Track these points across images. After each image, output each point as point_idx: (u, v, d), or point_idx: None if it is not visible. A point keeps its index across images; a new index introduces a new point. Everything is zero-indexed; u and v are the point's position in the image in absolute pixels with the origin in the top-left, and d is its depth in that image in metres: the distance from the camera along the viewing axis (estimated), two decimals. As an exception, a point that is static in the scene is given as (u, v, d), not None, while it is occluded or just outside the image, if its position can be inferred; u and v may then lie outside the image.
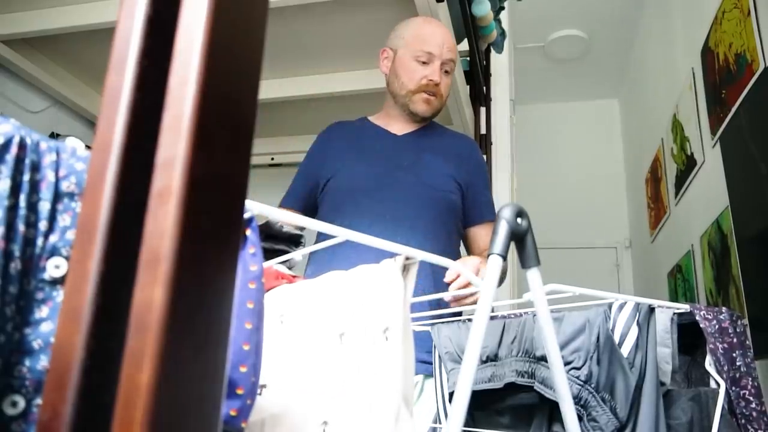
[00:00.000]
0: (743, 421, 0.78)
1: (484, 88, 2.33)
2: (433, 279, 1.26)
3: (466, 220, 1.44)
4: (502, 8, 2.26)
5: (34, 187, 0.33)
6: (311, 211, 1.45)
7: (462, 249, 1.49)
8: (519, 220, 0.53)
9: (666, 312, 0.86)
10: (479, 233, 1.44)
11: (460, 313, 1.07)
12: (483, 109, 2.33)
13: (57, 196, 0.34)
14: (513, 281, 2.42)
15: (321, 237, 1.35)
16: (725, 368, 0.79)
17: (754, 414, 0.77)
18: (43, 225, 0.33)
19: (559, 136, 4.73)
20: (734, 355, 0.80)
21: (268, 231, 0.76)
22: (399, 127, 1.49)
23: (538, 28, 3.91)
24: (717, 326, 0.81)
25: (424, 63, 1.39)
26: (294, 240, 0.80)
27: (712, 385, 0.81)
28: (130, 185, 0.22)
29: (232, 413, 0.39)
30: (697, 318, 0.83)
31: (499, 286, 0.50)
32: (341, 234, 0.56)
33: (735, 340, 0.81)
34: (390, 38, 1.48)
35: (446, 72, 1.42)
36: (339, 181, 1.42)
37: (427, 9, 1.49)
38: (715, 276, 2.50)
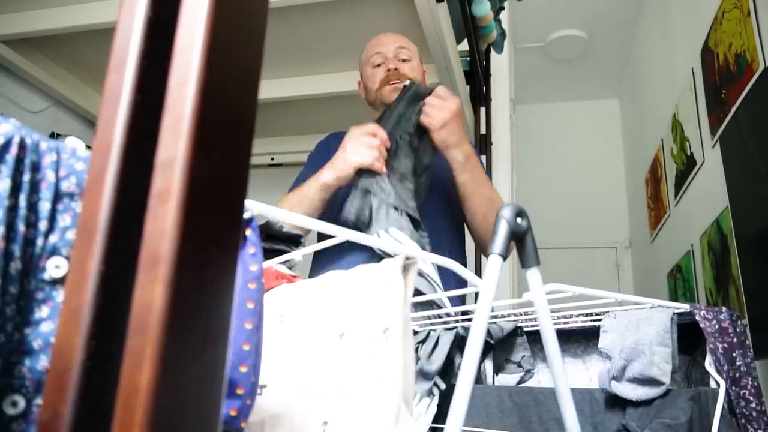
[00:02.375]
0: (743, 421, 0.78)
1: (484, 88, 2.33)
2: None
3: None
4: (502, 8, 2.26)
5: (34, 187, 0.33)
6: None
7: (471, 247, 1.49)
8: (519, 220, 0.53)
9: (666, 312, 0.86)
10: None
11: (462, 313, 1.07)
12: (483, 109, 2.33)
13: (57, 196, 0.34)
14: (513, 281, 2.42)
15: (321, 238, 1.35)
16: (725, 368, 0.79)
17: (754, 414, 0.77)
18: (43, 225, 0.33)
19: (559, 136, 4.73)
20: (734, 354, 0.80)
21: (268, 231, 0.76)
22: None
23: (538, 28, 3.91)
24: (717, 326, 0.81)
25: (379, 65, 1.46)
26: (294, 240, 0.80)
27: (712, 384, 0.81)
28: (130, 185, 0.22)
29: (232, 413, 0.39)
30: (697, 318, 0.83)
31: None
32: (341, 234, 0.56)
33: (735, 339, 0.81)
34: None
35: (404, 60, 1.45)
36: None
37: (427, 9, 1.49)
38: (715, 276, 2.50)
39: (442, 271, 1.26)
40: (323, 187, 1.24)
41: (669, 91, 3.21)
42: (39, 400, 0.31)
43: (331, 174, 1.23)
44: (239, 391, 0.40)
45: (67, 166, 0.35)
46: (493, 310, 1.07)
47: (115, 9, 0.25)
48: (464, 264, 1.51)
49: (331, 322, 0.58)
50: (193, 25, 0.22)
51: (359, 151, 1.19)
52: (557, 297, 0.78)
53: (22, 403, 0.31)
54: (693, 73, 2.73)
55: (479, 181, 1.31)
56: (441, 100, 1.24)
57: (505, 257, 0.52)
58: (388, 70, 1.44)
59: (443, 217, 1.37)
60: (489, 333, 1.02)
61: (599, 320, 0.95)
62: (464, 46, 1.98)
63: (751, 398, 0.78)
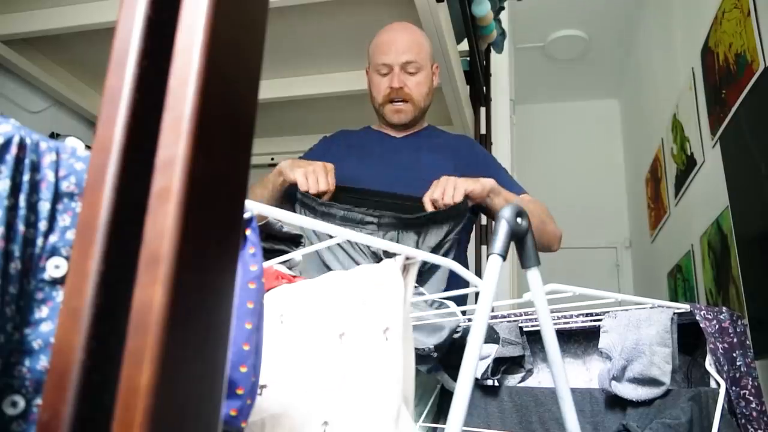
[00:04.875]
0: (743, 421, 0.78)
1: (484, 88, 2.33)
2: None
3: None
4: (502, 8, 2.26)
5: (34, 187, 0.33)
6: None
7: (471, 247, 1.49)
8: (519, 220, 0.53)
9: (666, 312, 0.86)
10: None
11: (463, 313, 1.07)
12: (483, 109, 2.33)
13: (57, 196, 0.34)
14: (513, 281, 2.42)
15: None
16: (725, 368, 0.79)
17: (754, 414, 0.77)
18: (43, 225, 0.33)
19: (559, 136, 4.73)
20: (734, 355, 0.80)
21: (268, 231, 0.76)
22: (398, 130, 1.51)
23: (538, 28, 3.91)
24: (717, 326, 0.81)
25: (385, 74, 1.42)
26: (294, 240, 0.80)
27: (712, 385, 0.81)
28: (130, 185, 0.22)
29: (232, 413, 0.39)
30: (697, 318, 0.83)
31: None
32: (341, 234, 0.56)
33: (735, 339, 0.81)
34: None
35: (411, 73, 1.42)
36: (341, 183, 1.43)
37: (427, 9, 1.49)
38: (715, 276, 2.50)
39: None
40: (276, 172, 1.30)
41: (669, 91, 3.21)
42: (39, 400, 0.31)
43: (287, 166, 1.28)
44: (239, 391, 0.40)
45: (66, 166, 0.34)
46: (493, 310, 1.07)
47: (115, 9, 0.25)
48: (465, 264, 1.51)
49: (331, 322, 0.58)
50: (193, 25, 0.22)
51: (300, 169, 1.24)
52: (557, 297, 0.78)
53: (22, 403, 0.31)
54: (693, 73, 2.73)
55: (510, 195, 1.33)
56: (438, 191, 1.21)
57: (504, 257, 0.52)
58: (391, 88, 1.42)
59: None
60: (494, 331, 1.03)
61: (599, 320, 0.95)
62: (464, 46, 1.97)
63: (751, 398, 0.78)
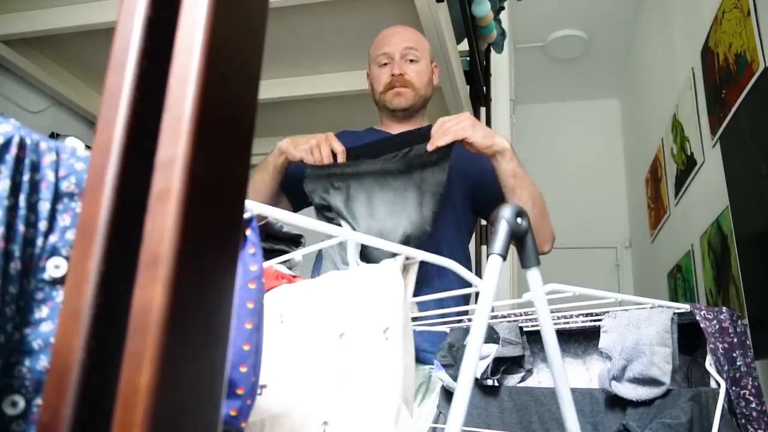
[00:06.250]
0: (743, 421, 0.78)
1: (484, 88, 2.33)
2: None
3: (488, 202, 1.45)
4: (502, 8, 2.26)
5: (34, 187, 0.33)
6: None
7: (471, 247, 1.49)
8: (519, 220, 0.53)
9: (666, 312, 0.86)
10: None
11: (464, 312, 1.08)
12: (483, 109, 2.33)
13: (57, 196, 0.34)
14: (513, 281, 2.42)
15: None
16: (725, 368, 0.79)
17: (754, 414, 0.77)
18: (43, 225, 0.33)
19: (559, 136, 4.73)
20: (734, 355, 0.80)
21: (268, 231, 0.76)
22: (397, 128, 1.51)
23: (538, 28, 3.91)
24: (717, 326, 0.81)
25: (385, 65, 1.44)
26: (294, 240, 0.80)
27: (712, 385, 0.81)
28: (130, 185, 0.22)
29: (232, 413, 0.39)
30: (698, 318, 0.83)
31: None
32: (341, 234, 0.56)
33: (735, 339, 0.81)
34: None
35: (411, 61, 1.44)
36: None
37: (427, 9, 1.49)
38: (715, 276, 2.50)
39: (442, 271, 1.26)
40: (276, 153, 1.33)
41: (669, 91, 3.21)
42: (39, 400, 0.31)
43: (289, 144, 1.31)
44: (239, 391, 0.40)
45: (66, 166, 0.34)
46: (493, 310, 1.07)
47: (115, 9, 0.25)
48: (468, 263, 1.51)
49: (331, 322, 0.58)
50: (193, 25, 0.22)
51: (304, 146, 1.28)
52: (557, 297, 0.78)
53: (22, 403, 0.31)
54: (693, 73, 2.73)
55: (523, 170, 1.33)
56: (449, 119, 1.23)
57: (504, 257, 0.52)
58: (392, 74, 1.43)
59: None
60: (494, 331, 1.03)
61: (599, 320, 0.95)
62: (464, 46, 1.98)
63: (752, 398, 0.78)
